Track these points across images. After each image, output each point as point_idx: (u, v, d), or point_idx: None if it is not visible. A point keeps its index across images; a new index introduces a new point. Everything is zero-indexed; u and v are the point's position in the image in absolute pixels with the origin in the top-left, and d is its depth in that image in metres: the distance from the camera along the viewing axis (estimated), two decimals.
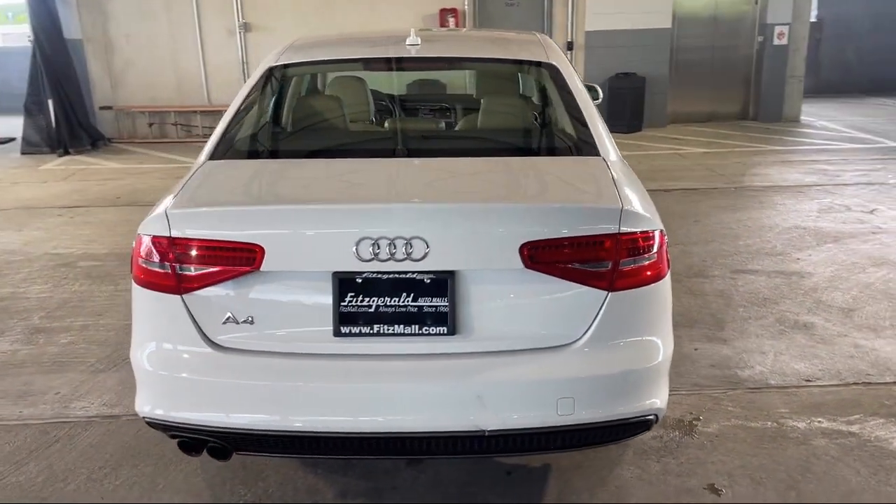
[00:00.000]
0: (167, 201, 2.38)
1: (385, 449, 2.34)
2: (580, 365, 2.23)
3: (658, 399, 2.32)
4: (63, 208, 7.09)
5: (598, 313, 2.23)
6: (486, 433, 2.20)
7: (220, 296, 2.26)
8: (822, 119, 11.69)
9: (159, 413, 2.31)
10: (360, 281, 2.21)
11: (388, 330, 2.23)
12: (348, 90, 3.81)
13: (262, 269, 2.20)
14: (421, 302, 2.22)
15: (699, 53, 11.53)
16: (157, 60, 10.96)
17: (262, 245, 2.19)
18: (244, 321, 2.26)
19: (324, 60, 3.56)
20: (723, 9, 11.45)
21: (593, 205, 2.34)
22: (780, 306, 4.37)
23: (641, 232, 2.25)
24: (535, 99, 3.73)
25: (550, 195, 2.59)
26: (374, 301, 2.22)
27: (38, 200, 7.45)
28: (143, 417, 2.36)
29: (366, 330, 2.23)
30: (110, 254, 5.61)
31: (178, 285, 2.26)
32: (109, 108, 11.02)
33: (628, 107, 10.60)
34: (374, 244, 2.15)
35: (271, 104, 3.36)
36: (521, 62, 3.56)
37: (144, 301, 2.35)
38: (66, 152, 10.01)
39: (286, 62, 3.31)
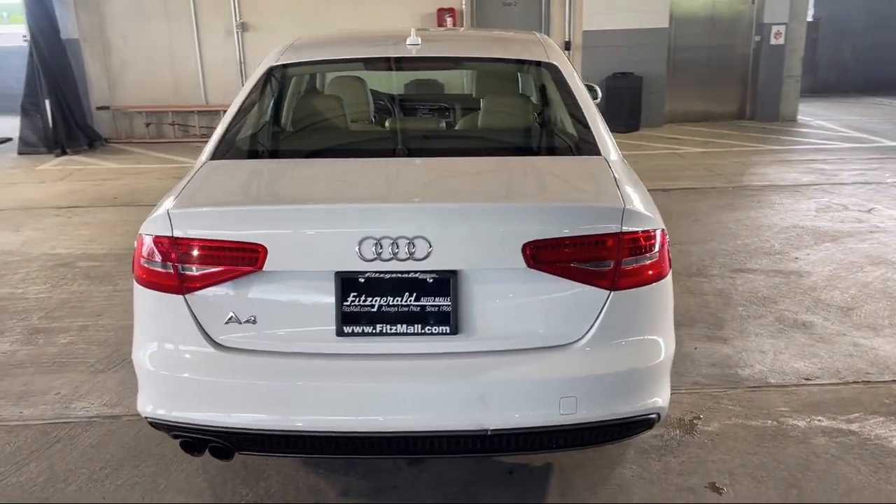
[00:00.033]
0: (169, 201, 2.38)
1: (388, 448, 2.34)
2: (582, 364, 2.24)
3: (660, 398, 2.33)
4: (61, 209, 7.08)
5: (600, 313, 2.24)
6: (489, 432, 2.20)
7: (222, 296, 2.26)
8: (818, 118, 11.71)
9: (161, 413, 2.31)
10: (362, 281, 2.21)
11: (391, 329, 2.24)
12: (348, 90, 3.81)
13: (264, 268, 2.20)
14: (423, 301, 2.22)
15: (696, 53, 11.55)
16: (155, 60, 10.94)
17: (265, 245, 2.19)
18: (247, 321, 2.26)
19: (325, 60, 3.56)
20: (720, 8, 11.47)
21: (595, 204, 2.35)
22: (779, 305, 4.38)
23: (643, 231, 2.26)
24: (536, 98, 3.74)
25: (553, 195, 2.59)
26: (376, 301, 2.22)
27: (36, 201, 7.43)
28: (146, 417, 2.36)
29: (368, 329, 2.23)
30: (109, 254, 5.60)
31: (181, 285, 2.26)
32: (107, 108, 11.00)
33: (626, 106, 10.61)
34: (376, 244, 2.16)
35: (272, 104, 3.36)
36: (522, 62, 3.57)
37: (146, 301, 2.34)
38: (64, 152, 9.99)
39: (287, 62, 3.31)
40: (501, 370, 2.22)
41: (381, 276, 2.21)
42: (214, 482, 2.81)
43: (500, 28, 9.93)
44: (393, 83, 5.86)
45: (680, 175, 8.00)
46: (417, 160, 2.85)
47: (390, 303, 2.23)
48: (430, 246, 2.16)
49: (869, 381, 3.49)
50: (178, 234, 2.25)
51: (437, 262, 2.18)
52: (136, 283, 2.36)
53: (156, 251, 2.27)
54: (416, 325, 2.23)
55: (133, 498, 2.74)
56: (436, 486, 2.78)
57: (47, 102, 9.95)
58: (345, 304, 2.22)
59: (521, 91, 4.26)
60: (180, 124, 11.03)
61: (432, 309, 2.22)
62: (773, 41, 11.28)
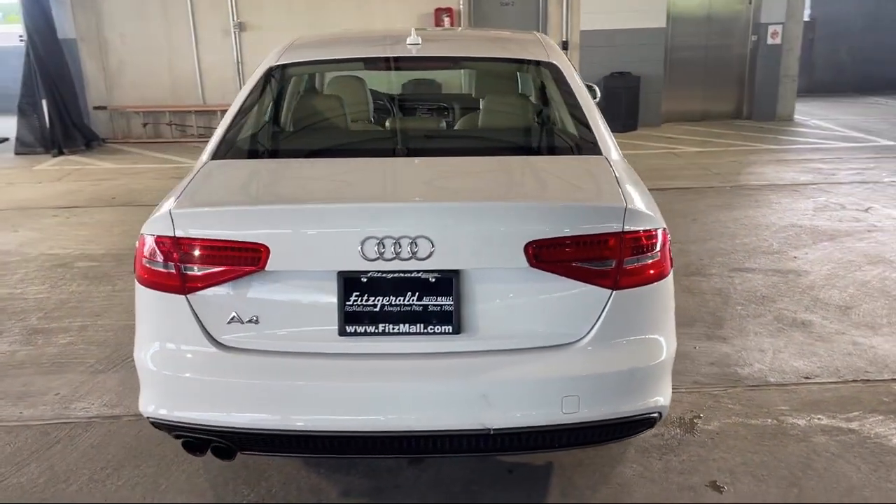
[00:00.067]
0: (171, 201, 2.38)
1: (391, 448, 2.34)
2: (584, 363, 2.24)
3: (662, 397, 2.33)
4: (58, 209, 7.06)
5: (602, 312, 2.24)
6: (492, 432, 2.20)
7: (224, 295, 2.26)
8: (815, 118, 11.74)
9: (163, 413, 2.31)
10: (365, 280, 2.21)
11: (393, 329, 2.24)
12: (347, 89, 3.81)
13: (266, 268, 2.20)
14: (426, 301, 2.22)
15: (693, 53, 11.57)
16: (152, 60, 10.92)
17: (267, 245, 2.19)
18: (249, 321, 2.26)
19: (325, 60, 3.57)
20: (717, 8, 11.49)
21: (598, 204, 2.35)
22: (778, 304, 4.39)
23: (645, 231, 2.26)
24: (537, 98, 3.75)
25: (555, 194, 2.59)
26: (379, 300, 2.22)
27: (33, 201, 7.42)
28: (148, 417, 2.35)
29: (371, 329, 2.23)
30: (107, 254, 5.60)
31: (183, 285, 2.26)
32: (104, 108, 10.98)
33: (623, 106, 10.62)
34: (379, 243, 2.16)
35: (273, 104, 3.36)
36: (522, 61, 3.57)
37: (148, 301, 2.34)
38: (61, 152, 9.97)
39: (287, 62, 3.30)
40: (504, 370, 2.23)
41: (384, 275, 2.21)
42: (216, 482, 2.81)
43: (497, 28, 9.93)
44: (391, 83, 5.87)
45: (677, 174, 8.02)
46: (420, 160, 2.85)
47: (392, 302, 2.23)
48: (433, 245, 2.16)
49: (868, 380, 3.50)
50: (180, 234, 2.24)
51: (440, 262, 2.18)
52: (137, 283, 2.35)
53: (158, 251, 2.27)
54: (418, 325, 2.24)
55: (134, 498, 2.74)
56: (437, 485, 2.78)
57: (44, 102, 9.94)
58: (347, 303, 2.22)
59: (520, 90, 4.26)
60: (177, 124, 11.02)
61: (434, 308, 2.22)
62: (769, 41, 11.31)
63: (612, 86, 10.58)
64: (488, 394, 2.19)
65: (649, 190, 2.57)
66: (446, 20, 10.64)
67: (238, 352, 2.26)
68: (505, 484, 2.78)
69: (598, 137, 2.82)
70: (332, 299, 2.23)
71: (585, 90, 3.12)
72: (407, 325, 2.24)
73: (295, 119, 3.55)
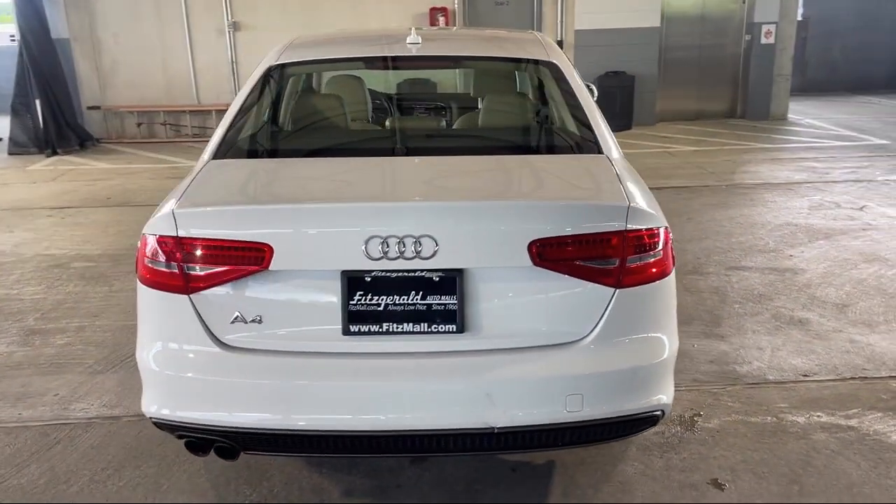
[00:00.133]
0: (173, 201, 2.37)
1: (395, 447, 2.34)
2: (588, 362, 2.24)
3: (664, 395, 2.34)
4: (53, 209, 7.03)
5: (605, 310, 2.25)
6: (496, 430, 2.21)
7: (228, 295, 2.25)
8: (808, 117, 11.80)
9: (166, 413, 2.30)
10: (368, 279, 2.21)
11: (397, 328, 2.24)
12: (346, 89, 3.81)
13: (270, 268, 2.20)
14: (430, 300, 2.22)
15: (688, 52, 11.62)
16: (146, 60, 10.89)
17: (271, 244, 2.19)
18: (252, 320, 2.26)
19: (325, 59, 3.56)
20: (711, 8, 11.54)
21: (601, 202, 2.36)
22: (775, 302, 4.41)
23: (647, 229, 2.27)
24: (537, 97, 3.75)
25: (558, 193, 2.60)
26: (382, 299, 2.22)
27: (28, 201, 7.38)
28: (150, 418, 2.35)
29: (375, 328, 2.23)
30: (103, 254, 5.58)
31: (186, 285, 2.25)
32: (98, 107, 10.94)
33: (618, 105, 10.64)
34: (383, 242, 2.16)
35: (272, 103, 3.36)
36: (522, 60, 3.57)
37: (151, 301, 2.33)
38: (54, 153, 9.93)
39: (287, 61, 3.30)
40: (507, 368, 2.23)
41: (388, 274, 2.21)
42: (217, 482, 2.80)
43: (492, 27, 9.94)
44: (387, 82, 5.86)
45: (672, 173, 8.04)
46: (422, 159, 2.85)
47: (396, 301, 2.23)
48: (437, 245, 2.16)
49: (866, 377, 3.52)
50: (182, 233, 2.24)
51: (444, 261, 2.18)
52: (139, 283, 2.35)
53: (160, 251, 2.26)
54: (422, 324, 2.24)
55: (136, 499, 2.73)
56: (439, 484, 2.78)
57: (37, 102, 9.90)
58: (351, 302, 2.22)
59: (520, 90, 4.27)
60: (172, 124, 10.98)
61: (438, 307, 2.23)
62: (763, 40, 11.37)
63: (606, 85, 10.60)
64: (492, 392, 2.19)
65: None
66: (441, 20, 10.64)
67: (242, 351, 2.26)
68: (507, 483, 2.78)
69: (598, 136, 2.83)
70: (336, 299, 2.23)
71: (585, 89, 3.13)
72: (410, 325, 2.24)
73: (295, 118, 3.55)
